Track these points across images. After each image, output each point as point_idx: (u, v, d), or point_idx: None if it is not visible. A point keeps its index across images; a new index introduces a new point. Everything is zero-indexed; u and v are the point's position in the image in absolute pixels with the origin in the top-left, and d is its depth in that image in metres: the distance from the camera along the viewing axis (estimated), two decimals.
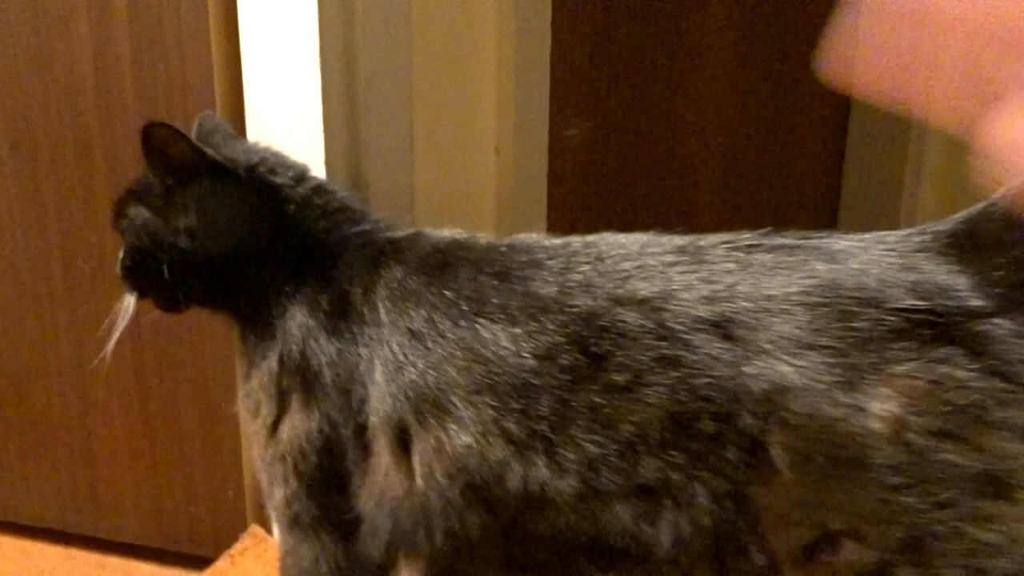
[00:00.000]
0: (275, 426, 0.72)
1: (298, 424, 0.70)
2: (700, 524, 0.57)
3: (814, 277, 0.55)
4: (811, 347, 0.53)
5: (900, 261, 0.55)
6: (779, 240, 0.59)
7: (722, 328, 0.56)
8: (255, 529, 1.15)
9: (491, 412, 0.61)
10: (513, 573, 0.67)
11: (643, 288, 0.59)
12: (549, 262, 0.64)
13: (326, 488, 0.70)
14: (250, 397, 0.75)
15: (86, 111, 1.08)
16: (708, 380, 0.56)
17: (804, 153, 1.68)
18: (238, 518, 1.17)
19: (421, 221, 0.96)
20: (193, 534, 1.20)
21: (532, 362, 0.60)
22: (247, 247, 0.74)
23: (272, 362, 0.72)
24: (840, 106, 1.69)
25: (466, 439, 0.62)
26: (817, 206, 1.76)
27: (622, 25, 1.27)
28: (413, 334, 0.66)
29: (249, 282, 0.74)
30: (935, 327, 0.52)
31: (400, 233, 0.75)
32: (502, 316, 0.63)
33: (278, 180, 0.76)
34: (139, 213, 0.76)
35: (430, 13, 0.95)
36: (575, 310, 0.61)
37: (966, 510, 0.50)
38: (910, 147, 1.68)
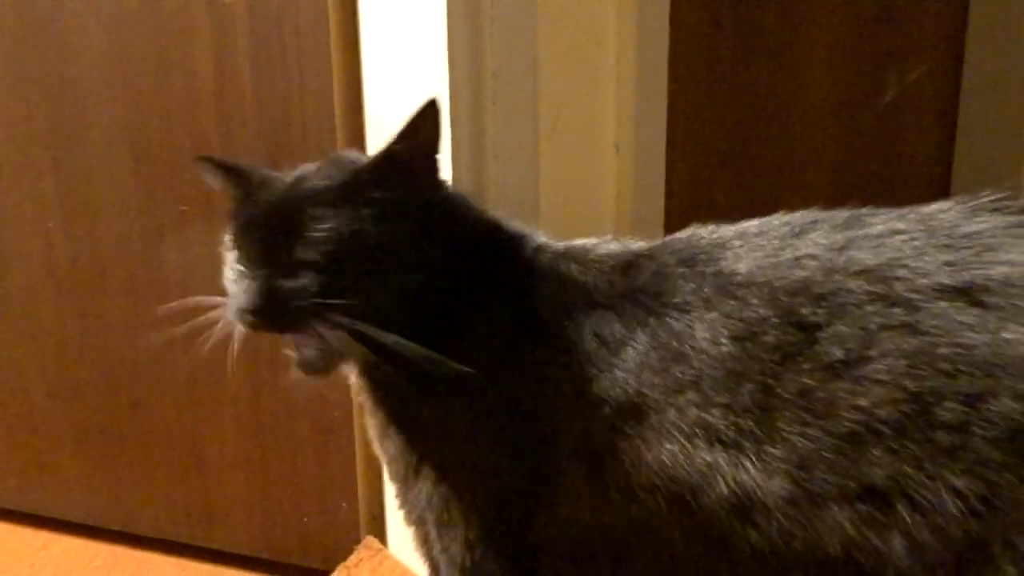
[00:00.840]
0: (444, 463, 0.66)
1: (478, 458, 0.65)
2: (943, 532, 0.49)
3: None
4: None
5: None
6: None
7: (970, 295, 0.48)
8: (370, 540, 1.14)
9: (694, 412, 0.55)
10: None
11: (864, 257, 0.53)
12: (736, 242, 0.59)
13: (506, 524, 0.65)
14: (406, 433, 0.68)
15: (205, 122, 1.10)
16: (954, 350, 0.48)
17: (912, 139, 1.63)
18: (351, 529, 1.16)
19: (545, 216, 0.95)
20: (306, 546, 1.20)
21: (731, 347, 0.54)
22: (439, 269, 0.66)
23: (441, 393, 0.65)
24: (949, 97, 1.64)
25: (668, 445, 0.56)
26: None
27: (736, 23, 1.25)
28: (601, 341, 0.61)
29: (425, 310, 0.65)
30: None
31: (573, 243, 0.70)
32: (693, 303, 0.58)
33: (461, 198, 0.71)
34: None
35: (554, 13, 0.94)
36: (782, 281, 0.54)
37: None
38: None
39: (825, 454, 0.51)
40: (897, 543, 0.50)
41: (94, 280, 1.23)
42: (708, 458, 0.55)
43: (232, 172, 0.72)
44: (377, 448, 0.73)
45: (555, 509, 0.63)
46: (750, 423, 0.53)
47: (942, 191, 1.72)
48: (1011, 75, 1.66)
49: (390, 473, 0.72)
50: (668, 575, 0.60)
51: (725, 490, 0.54)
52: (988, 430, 0.47)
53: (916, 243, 0.52)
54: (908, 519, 0.49)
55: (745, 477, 0.54)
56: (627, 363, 0.59)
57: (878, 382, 0.50)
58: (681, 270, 0.60)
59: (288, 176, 0.70)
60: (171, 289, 1.19)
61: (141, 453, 1.28)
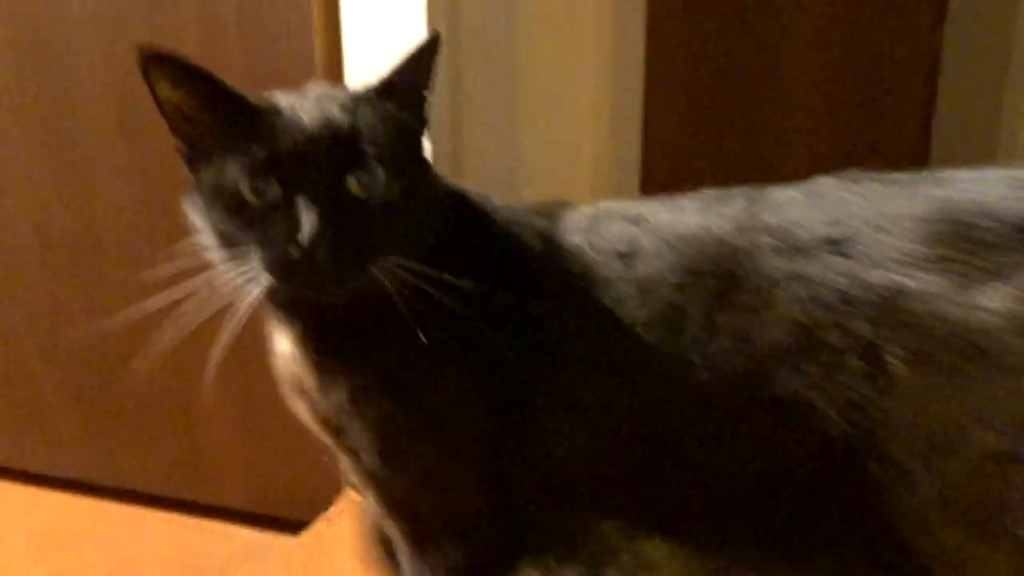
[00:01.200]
0: (443, 418, 0.68)
1: (475, 412, 0.68)
2: (827, 436, 0.60)
3: (932, 198, 0.60)
4: (929, 258, 0.58)
5: (1013, 186, 0.59)
6: (892, 175, 0.64)
7: (840, 244, 0.60)
8: (350, 492, 1.18)
9: (651, 349, 0.63)
10: (647, 523, 0.70)
11: (770, 219, 0.64)
12: (673, 205, 0.68)
13: (500, 473, 0.70)
14: (399, 393, 0.68)
15: None
16: (832, 291, 0.59)
17: (894, 106, 1.65)
18: (333, 482, 1.19)
19: (521, 177, 0.97)
20: (290, 498, 1.24)
21: (677, 294, 0.63)
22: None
23: (438, 346, 0.65)
24: (930, 68, 1.65)
25: (626, 374, 0.64)
26: None
27: None
28: (570, 289, 0.67)
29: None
30: None
31: (546, 205, 0.74)
32: (644, 254, 0.66)
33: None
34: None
35: None
36: (711, 237, 0.64)
37: None
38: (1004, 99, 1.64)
39: (745, 376, 0.61)
40: (793, 451, 0.61)
41: (85, 242, 1.25)
42: (660, 391, 0.64)
43: (226, 93, 0.64)
44: (334, 417, 0.69)
45: (536, 451, 0.68)
46: (692, 356, 0.62)
47: (922, 157, 1.74)
48: (991, 46, 1.68)
49: (365, 440, 0.69)
50: (605, 501, 0.69)
51: (671, 417, 0.64)
52: (855, 350, 0.59)
53: (806, 207, 0.63)
54: (803, 428, 0.60)
55: (686, 402, 0.63)
56: (593, 308, 0.66)
57: (782, 318, 0.61)
58: (632, 228, 0.68)
59: (292, 104, 0.65)
60: (160, 251, 1.21)
61: (131, 411, 1.31)
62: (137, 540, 1.25)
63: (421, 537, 0.74)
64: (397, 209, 0.62)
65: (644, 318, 0.64)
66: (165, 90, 0.65)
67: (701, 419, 0.63)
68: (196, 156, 0.66)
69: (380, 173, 0.62)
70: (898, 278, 0.58)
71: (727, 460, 0.64)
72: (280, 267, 0.60)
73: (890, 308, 0.58)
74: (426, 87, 0.68)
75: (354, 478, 0.76)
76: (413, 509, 0.73)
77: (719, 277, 0.63)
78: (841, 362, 0.59)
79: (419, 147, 0.69)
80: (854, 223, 0.61)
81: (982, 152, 1.70)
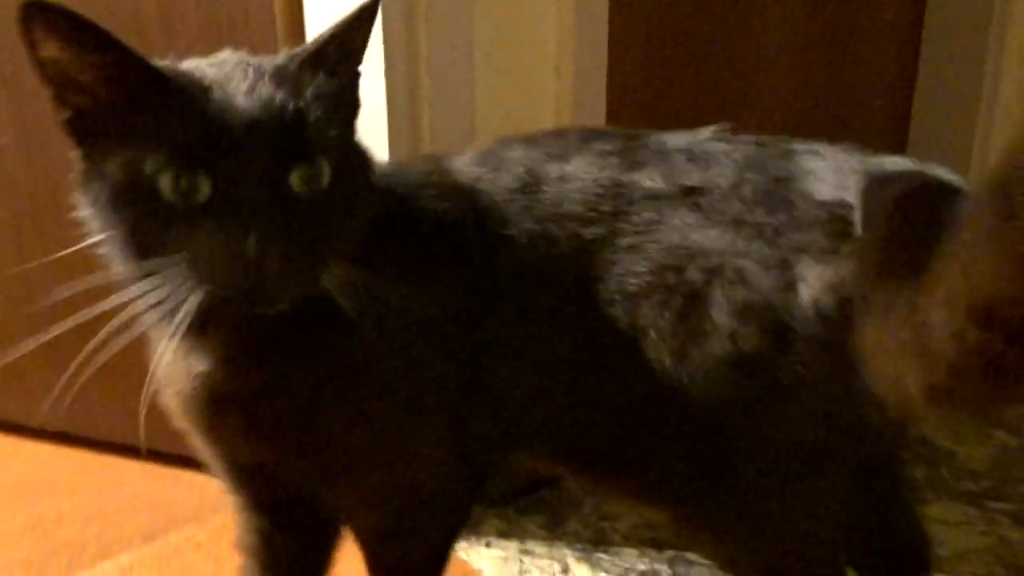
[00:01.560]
0: (398, 395, 0.68)
1: (430, 379, 0.69)
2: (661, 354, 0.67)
3: (781, 168, 0.66)
4: (753, 223, 0.64)
5: (846, 172, 0.64)
6: (762, 138, 0.69)
7: (693, 198, 0.66)
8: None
9: (564, 277, 0.68)
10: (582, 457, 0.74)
11: (648, 162, 0.68)
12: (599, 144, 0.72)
13: (458, 431, 0.71)
14: (353, 385, 0.66)
15: (151, 43, 1.09)
16: (679, 239, 0.65)
17: (869, 69, 1.63)
18: None
19: (480, 140, 0.97)
20: None
21: (586, 228, 0.67)
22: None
23: (401, 340, 0.65)
24: (911, 37, 1.64)
25: (552, 310, 0.69)
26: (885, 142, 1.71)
27: None
28: (493, 240, 0.69)
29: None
30: (849, 235, 0.62)
31: (429, 157, 0.76)
32: (552, 194, 0.69)
33: None
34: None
35: None
36: (597, 175, 0.69)
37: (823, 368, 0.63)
38: (986, 67, 1.63)
39: (623, 303, 0.67)
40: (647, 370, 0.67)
41: (49, 195, 1.24)
42: (580, 326, 0.68)
43: (133, 60, 0.54)
44: (286, 427, 0.66)
45: (492, 401, 0.71)
46: (598, 289, 0.68)
47: (901, 127, 1.74)
48: (972, 11, 1.66)
49: (332, 438, 0.68)
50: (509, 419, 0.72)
51: (589, 353, 0.69)
52: (685, 291, 0.65)
53: (682, 159, 0.68)
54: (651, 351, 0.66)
55: (596, 337, 0.68)
56: (515, 251, 0.68)
57: (648, 257, 0.66)
58: (542, 166, 0.70)
59: (217, 78, 0.55)
60: None
61: (104, 363, 1.32)
62: (113, 489, 1.27)
63: (397, 522, 0.74)
64: (341, 209, 0.56)
65: (558, 253, 0.68)
66: (51, 50, 0.53)
67: (604, 353, 0.67)
68: (92, 139, 0.55)
69: (324, 167, 0.55)
70: (727, 237, 0.64)
71: (624, 394, 0.68)
72: (220, 280, 0.52)
73: (720, 263, 0.64)
74: (359, 61, 0.62)
75: (311, 488, 0.73)
76: (387, 495, 0.73)
77: (607, 221, 0.67)
78: (699, 291, 0.64)
79: (354, 132, 0.62)
80: (712, 177, 0.66)
81: (964, 105, 1.70)
